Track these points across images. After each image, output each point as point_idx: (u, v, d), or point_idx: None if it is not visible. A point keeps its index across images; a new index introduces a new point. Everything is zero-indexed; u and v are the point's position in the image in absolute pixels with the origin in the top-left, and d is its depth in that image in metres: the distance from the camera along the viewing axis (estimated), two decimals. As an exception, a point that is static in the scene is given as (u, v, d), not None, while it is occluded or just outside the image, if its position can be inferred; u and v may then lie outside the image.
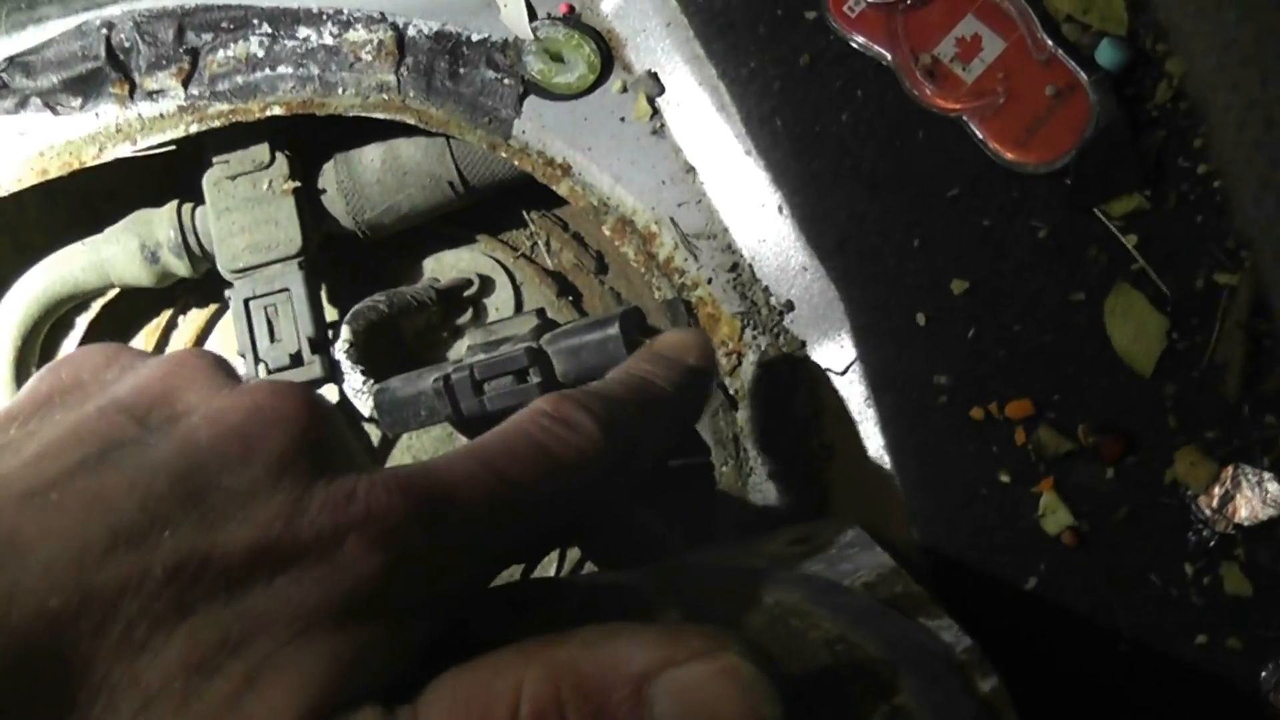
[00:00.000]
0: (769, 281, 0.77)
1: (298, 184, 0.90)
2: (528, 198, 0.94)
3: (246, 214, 0.90)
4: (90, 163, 0.88)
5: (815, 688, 0.48)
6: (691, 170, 0.79)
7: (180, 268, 0.94)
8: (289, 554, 0.42)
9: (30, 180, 0.89)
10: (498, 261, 0.96)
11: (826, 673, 0.48)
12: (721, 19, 0.77)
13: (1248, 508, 0.66)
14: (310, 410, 0.48)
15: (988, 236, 0.72)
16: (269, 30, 0.86)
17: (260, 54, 0.86)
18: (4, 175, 0.89)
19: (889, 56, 0.74)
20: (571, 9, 0.81)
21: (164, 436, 0.45)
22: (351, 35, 0.84)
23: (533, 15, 0.81)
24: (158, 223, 0.94)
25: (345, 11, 0.85)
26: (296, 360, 0.90)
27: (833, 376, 0.75)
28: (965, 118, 0.72)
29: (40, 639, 0.36)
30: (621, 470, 0.58)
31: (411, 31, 0.83)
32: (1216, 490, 0.67)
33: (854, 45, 0.74)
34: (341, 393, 0.93)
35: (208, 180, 0.92)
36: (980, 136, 0.72)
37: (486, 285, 0.96)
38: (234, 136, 0.90)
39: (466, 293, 0.95)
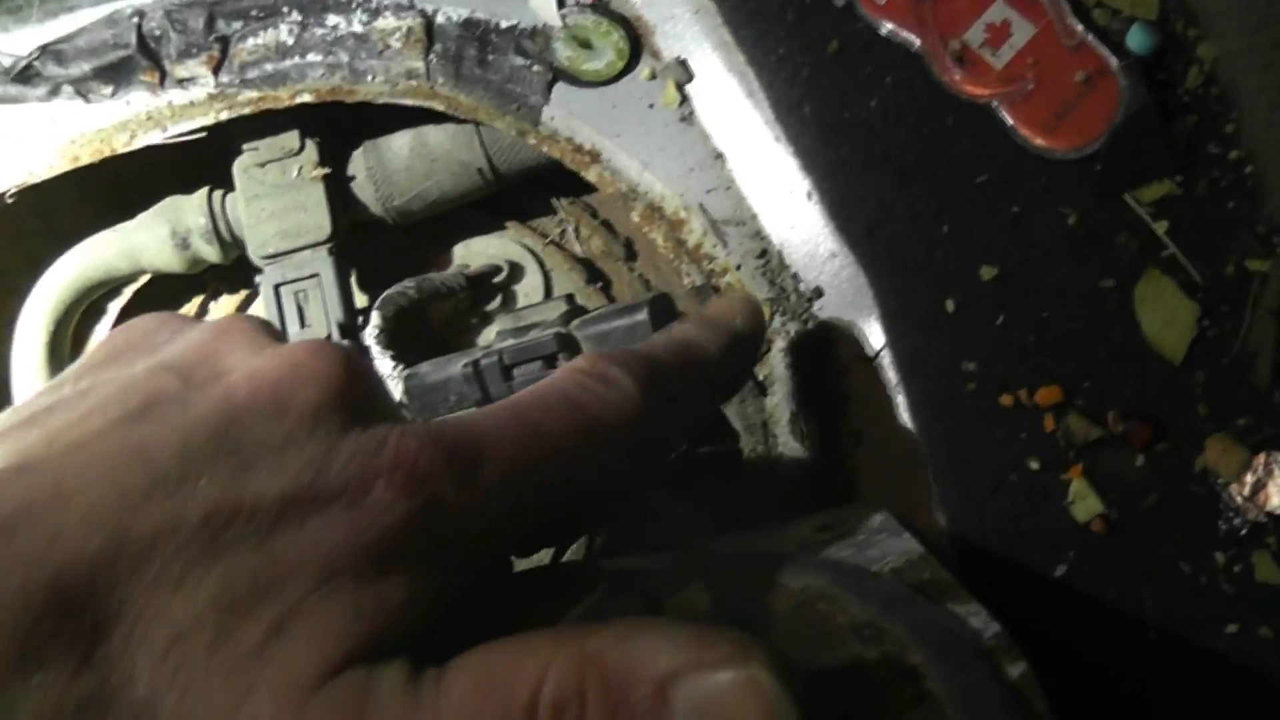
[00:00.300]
0: (798, 268, 0.77)
1: (327, 170, 0.90)
2: (556, 184, 0.94)
3: (276, 200, 0.91)
4: (121, 150, 0.89)
5: (842, 673, 0.48)
6: (720, 157, 0.79)
7: (211, 254, 0.95)
8: (319, 500, 0.44)
9: (62, 167, 0.89)
10: (527, 248, 0.96)
11: (853, 658, 0.49)
12: (750, 5, 0.77)
13: None
14: (345, 366, 0.49)
15: (1017, 223, 0.72)
16: (298, 18, 0.86)
17: (290, 42, 0.86)
18: (37, 162, 0.89)
19: (918, 43, 0.73)
20: (600, -5, 0.81)
21: (204, 393, 0.46)
22: (380, 23, 0.84)
23: (561, 2, 0.81)
24: (188, 209, 0.94)
25: (374, -1, 0.85)
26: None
27: (861, 363, 0.75)
28: (994, 104, 0.72)
29: (80, 577, 0.38)
30: (660, 431, 0.58)
31: (440, 19, 0.84)
32: (1248, 478, 0.67)
33: (883, 32, 0.74)
34: (372, 376, 0.94)
35: (238, 167, 0.92)
36: (1009, 123, 0.72)
37: (515, 272, 0.96)
38: (264, 124, 0.90)
39: (495, 279, 0.96)
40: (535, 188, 0.95)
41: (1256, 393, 0.68)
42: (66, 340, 1.00)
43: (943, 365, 0.73)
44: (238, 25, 0.87)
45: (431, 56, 0.83)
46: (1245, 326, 0.68)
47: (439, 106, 0.84)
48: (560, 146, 0.82)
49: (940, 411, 0.73)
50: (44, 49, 0.88)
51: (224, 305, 1.04)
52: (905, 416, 0.74)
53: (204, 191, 0.95)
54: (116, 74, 0.88)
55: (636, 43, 0.80)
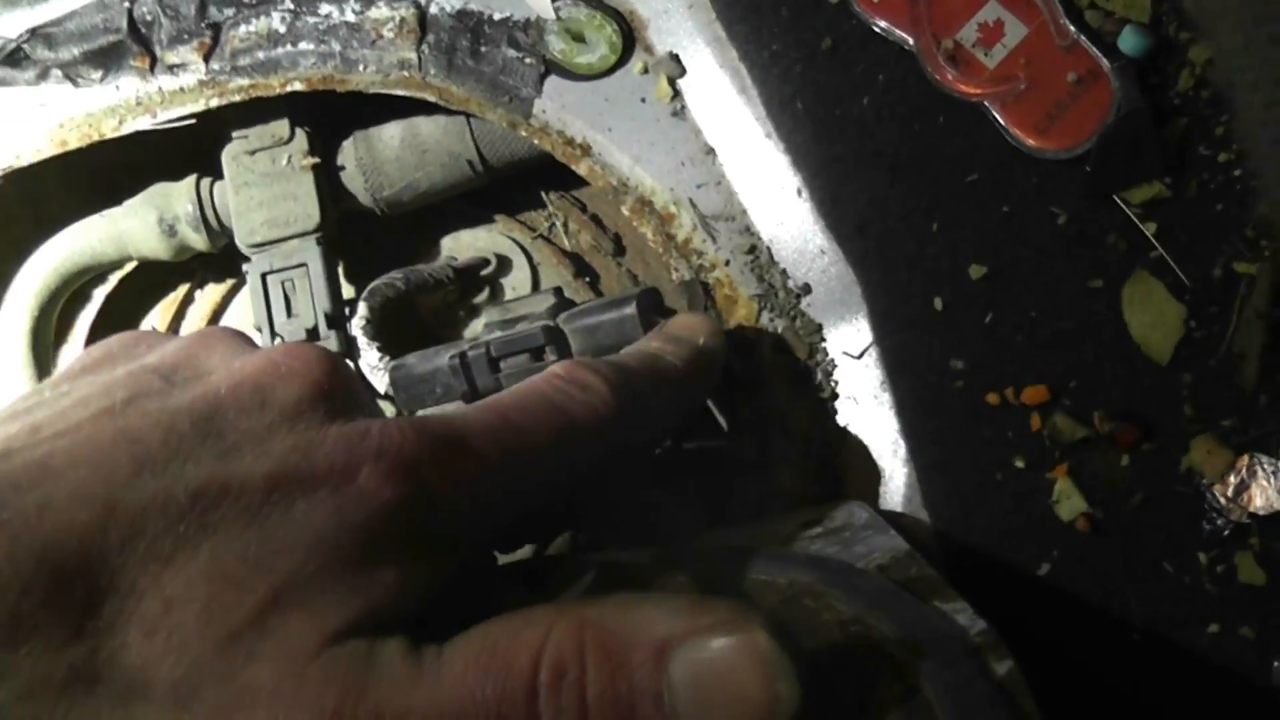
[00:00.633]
0: (787, 264, 0.77)
1: (317, 160, 0.90)
2: (546, 178, 0.94)
3: (265, 189, 0.90)
4: (110, 135, 0.88)
5: (830, 668, 0.48)
6: (711, 152, 0.79)
7: (198, 241, 0.94)
8: (305, 483, 0.45)
9: (50, 151, 0.89)
10: (515, 241, 0.96)
11: (841, 654, 0.49)
12: (744, 1, 0.77)
13: (1263, 497, 0.66)
14: (325, 364, 0.51)
15: (1007, 222, 0.72)
16: (291, 6, 0.86)
17: (282, 30, 0.86)
18: (24, 146, 0.89)
19: (911, 41, 0.74)
20: (594, -11, 0.81)
21: (186, 389, 0.48)
22: (374, 12, 0.84)
23: (555, -5, 0.81)
24: (176, 196, 0.94)
25: (368, -12, 0.85)
26: (313, 335, 0.90)
27: (849, 360, 0.75)
28: (986, 103, 0.72)
29: (70, 547, 0.39)
30: (631, 438, 0.61)
31: (434, 9, 0.83)
32: (1232, 479, 0.67)
33: (876, 29, 0.74)
34: (357, 369, 0.93)
35: (227, 155, 0.92)
36: (1001, 122, 0.72)
37: (504, 265, 0.96)
38: (254, 112, 0.90)
39: (484, 272, 0.95)
40: (525, 181, 0.95)
41: (1242, 394, 0.68)
42: (50, 326, 1.00)
43: (930, 363, 0.73)
44: (230, 12, 0.87)
45: (424, 47, 0.83)
46: (1232, 329, 0.68)
47: (430, 97, 0.83)
48: (552, 139, 0.82)
49: (927, 409, 0.73)
50: (33, 32, 0.88)
51: (210, 294, 1.03)
52: (892, 414, 0.74)
53: (192, 178, 0.94)
54: (106, 59, 0.88)
55: (630, 36, 0.80)
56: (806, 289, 0.76)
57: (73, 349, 1.02)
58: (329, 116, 0.92)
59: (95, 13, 0.87)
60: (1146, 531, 0.69)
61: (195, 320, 1.03)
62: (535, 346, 0.79)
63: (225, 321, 1.04)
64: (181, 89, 0.88)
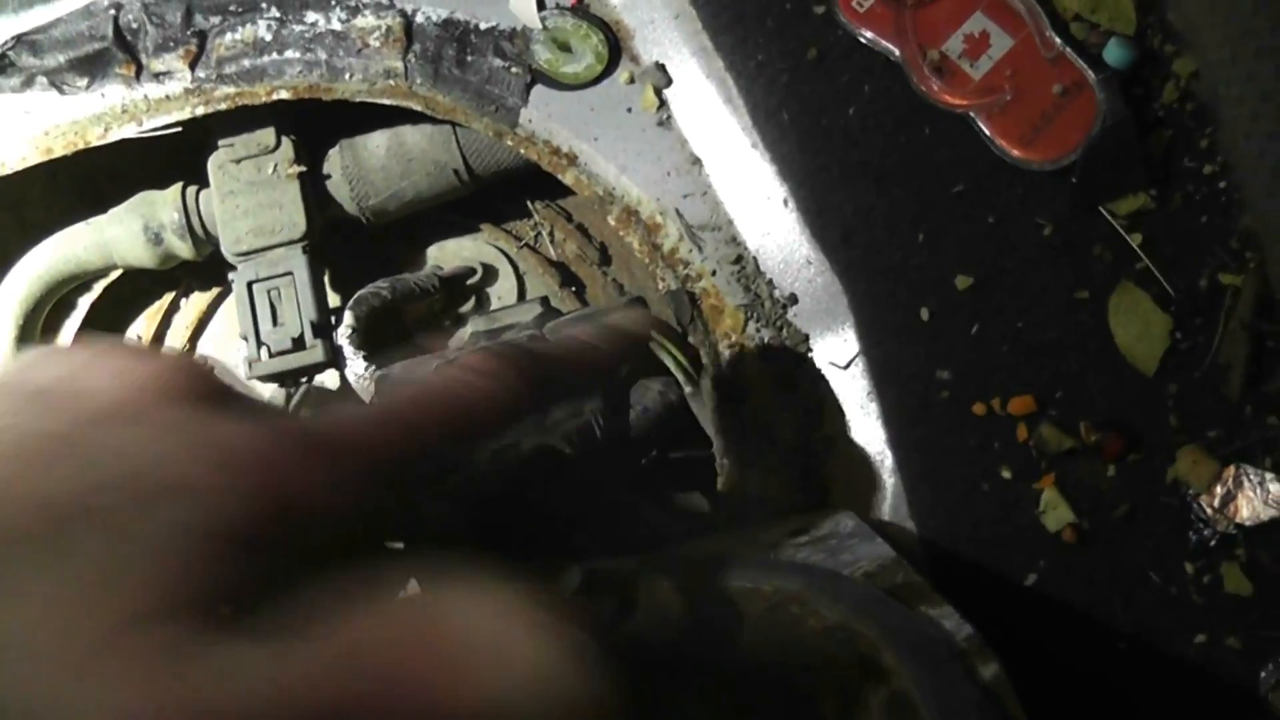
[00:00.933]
0: (773, 274, 0.77)
1: (303, 168, 0.90)
2: (532, 187, 0.94)
3: (251, 197, 0.90)
4: (95, 143, 0.88)
5: (814, 673, 0.48)
6: (698, 162, 0.79)
7: (184, 250, 0.94)
8: (171, 488, 0.44)
9: (35, 159, 0.89)
10: (501, 251, 0.96)
11: (826, 660, 0.49)
12: (730, 12, 0.77)
13: (1249, 508, 0.66)
14: (193, 371, 0.50)
15: (993, 233, 0.72)
16: (277, 14, 0.86)
17: (268, 38, 0.86)
18: (9, 153, 0.89)
19: (897, 52, 0.74)
20: (580, -1, 0.81)
21: (53, 410, 0.47)
22: (360, 21, 0.84)
23: (541, 4, 0.81)
24: (162, 204, 0.94)
25: (354, -3, 0.85)
26: (299, 344, 0.90)
27: (835, 370, 0.75)
28: (972, 114, 0.72)
29: None
30: (539, 408, 0.62)
31: (420, 18, 0.83)
32: (1218, 490, 0.67)
33: (862, 40, 0.74)
34: (343, 377, 0.93)
35: (213, 163, 0.92)
36: (987, 133, 0.72)
37: (489, 274, 0.96)
38: (240, 120, 0.90)
39: (469, 281, 0.95)
40: (511, 190, 0.95)
41: (1228, 405, 0.68)
42: (35, 334, 1.00)
43: (917, 373, 0.73)
44: (216, 20, 0.87)
45: (410, 56, 0.83)
46: (1217, 339, 0.68)
47: (416, 106, 0.83)
48: (538, 149, 0.82)
49: (913, 419, 0.73)
50: (19, 39, 0.87)
51: (195, 302, 1.03)
52: (878, 424, 0.74)
53: (178, 187, 0.94)
54: (92, 66, 0.88)
55: (616, 46, 0.80)
56: (793, 299, 0.76)
57: (57, 357, 1.01)
58: (315, 125, 0.92)
59: (81, 20, 0.87)
60: (1133, 542, 0.69)
61: (180, 328, 1.03)
62: None
63: (211, 331, 1.03)
64: (167, 96, 0.88)
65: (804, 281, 0.76)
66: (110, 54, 0.87)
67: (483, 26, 0.82)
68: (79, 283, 1.00)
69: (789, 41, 0.76)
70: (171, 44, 0.87)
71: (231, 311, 0.98)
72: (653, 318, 0.72)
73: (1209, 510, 0.67)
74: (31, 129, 0.89)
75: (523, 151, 0.82)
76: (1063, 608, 0.69)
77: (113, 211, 0.96)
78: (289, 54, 0.85)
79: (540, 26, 0.81)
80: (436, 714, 0.42)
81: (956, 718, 0.44)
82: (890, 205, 0.74)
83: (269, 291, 0.90)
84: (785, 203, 0.76)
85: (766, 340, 0.77)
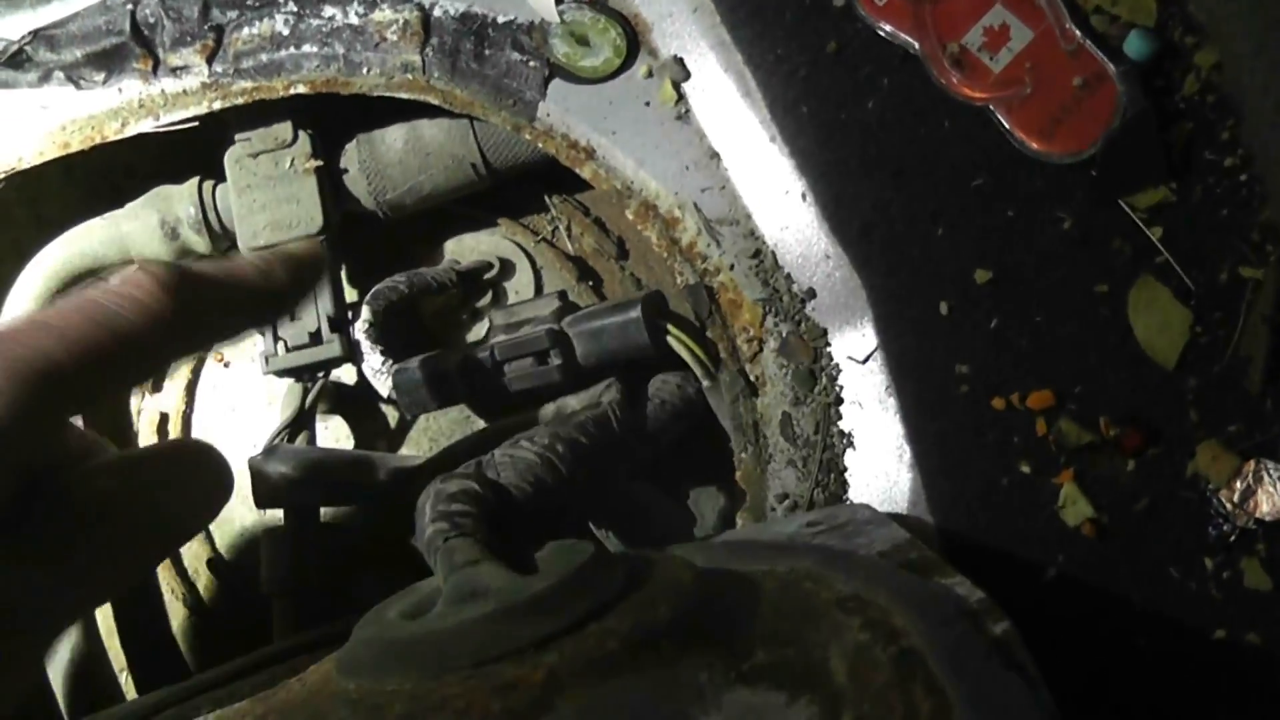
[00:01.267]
0: (791, 268, 0.77)
1: (320, 163, 0.90)
2: (549, 181, 0.94)
3: (268, 192, 0.90)
4: (112, 137, 0.88)
5: (826, 641, 0.48)
6: (716, 156, 0.79)
7: (200, 244, 0.94)
8: None
9: (52, 154, 0.89)
10: (518, 245, 0.96)
11: (835, 627, 0.49)
12: (749, 5, 0.77)
13: (1269, 502, 0.66)
14: None
15: (1012, 227, 0.72)
16: (294, 8, 0.86)
17: (285, 32, 0.86)
18: (26, 148, 0.89)
19: (916, 45, 0.74)
20: (598, -8, 0.81)
21: None
22: (377, 15, 0.84)
23: (559, -2, 0.81)
24: (178, 199, 0.94)
25: (372, -10, 0.85)
26: (316, 338, 0.90)
27: (854, 365, 0.75)
28: (991, 107, 0.72)
29: None
30: (192, 333, 0.60)
31: (438, 12, 0.83)
32: (1238, 484, 0.67)
33: (881, 33, 0.74)
34: (360, 373, 0.93)
35: (229, 157, 0.92)
36: (1006, 126, 0.72)
37: (507, 268, 0.96)
38: (257, 114, 0.90)
39: (487, 275, 0.95)
40: (528, 184, 0.95)
41: (1248, 399, 0.68)
42: (52, 329, 0.99)
43: (935, 368, 0.73)
44: (233, 14, 0.87)
45: (428, 50, 0.83)
46: (1238, 333, 0.68)
47: (434, 100, 0.83)
48: (555, 143, 0.82)
49: (932, 414, 0.73)
50: (36, 34, 0.88)
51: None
52: (897, 419, 0.74)
53: (194, 181, 0.94)
54: (109, 61, 0.88)
55: (634, 40, 0.80)
56: (811, 293, 0.76)
57: (74, 352, 1.02)
58: (332, 119, 0.92)
59: (98, 15, 0.87)
60: (1152, 537, 0.68)
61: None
62: (539, 350, 0.79)
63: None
64: (184, 91, 0.88)
65: (822, 276, 0.76)
66: (127, 49, 0.87)
67: (500, 20, 0.82)
68: (95, 278, 1.00)
69: (808, 35, 0.76)
70: (188, 38, 0.87)
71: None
72: (320, 248, 0.71)
73: (1229, 505, 0.67)
74: (48, 124, 0.89)
75: (540, 145, 0.82)
76: (1081, 602, 0.69)
77: (129, 206, 0.96)
78: (306, 48, 0.85)
79: (558, 20, 0.80)
80: None
81: (964, 667, 0.44)
82: (909, 199, 0.74)
83: (286, 286, 0.90)
84: (804, 197, 0.76)
85: (785, 334, 0.77)
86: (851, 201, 0.75)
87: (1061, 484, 0.70)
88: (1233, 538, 0.67)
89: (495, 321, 0.86)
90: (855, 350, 0.75)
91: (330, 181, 0.91)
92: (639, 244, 0.93)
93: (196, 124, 0.88)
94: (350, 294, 0.95)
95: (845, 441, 0.75)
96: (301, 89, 0.85)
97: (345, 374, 0.94)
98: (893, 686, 0.44)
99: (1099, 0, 0.71)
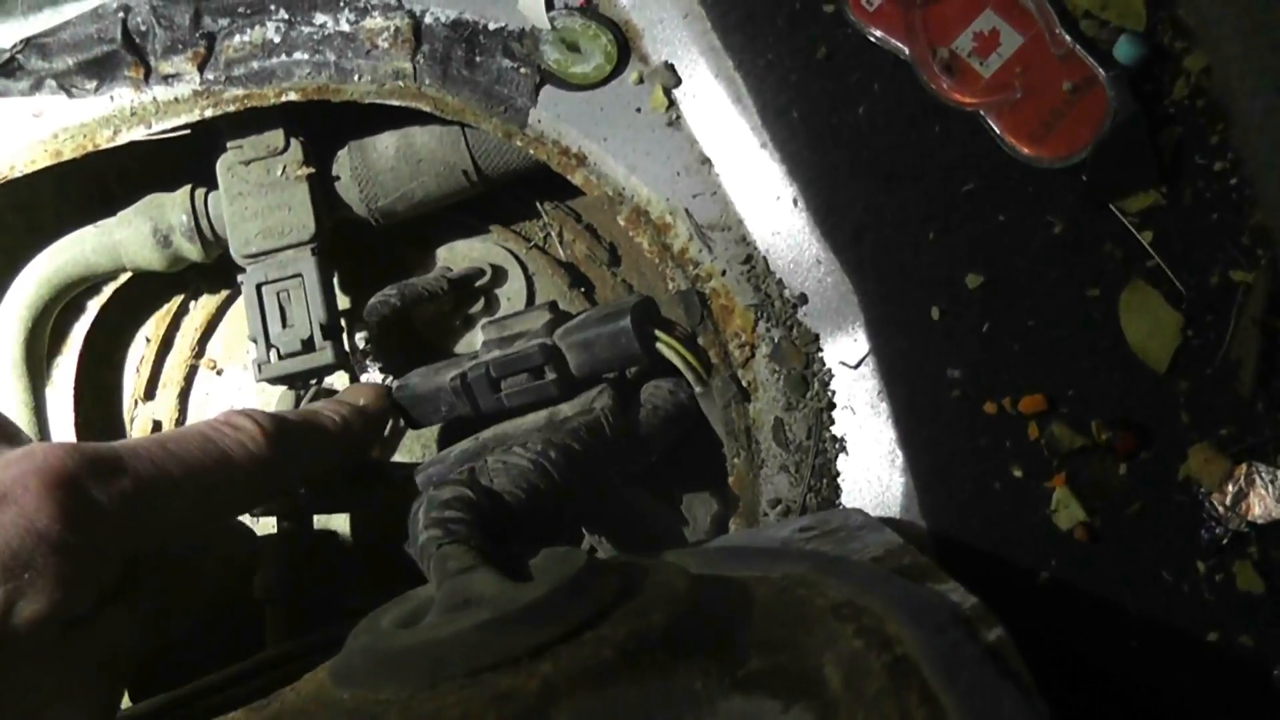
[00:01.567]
0: (783, 274, 0.77)
1: (312, 170, 0.90)
2: (541, 188, 0.94)
3: (260, 199, 0.90)
4: (104, 145, 0.88)
5: (820, 648, 0.48)
6: (707, 162, 0.79)
7: (192, 252, 0.94)
8: None
9: (44, 162, 0.89)
10: (510, 252, 0.96)
11: (829, 635, 0.49)
12: (739, 11, 0.77)
13: (1261, 505, 0.66)
14: None
15: (1003, 231, 0.72)
16: (286, 16, 0.86)
17: (276, 40, 0.86)
18: (18, 156, 0.89)
19: (906, 50, 0.74)
20: (589, -1, 0.81)
21: None
22: (368, 22, 0.84)
23: (550, 4, 0.81)
24: (170, 206, 0.94)
25: (362, -2, 0.85)
26: (308, 346, 0.90)
27: (846, 369, 0.75)
28: (982, 112, 0.72)
29: None
30: (287, 476, 0.77)
31: (428, 19, 0.83)
32: (1230, 487, 0.67)
33: (872, 39, 0.74)
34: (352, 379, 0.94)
35: (221, 165, 0.92)
36: (997, 131, 0.72)
37: (499, 275, 0.96)
38: (248, 122, 0.90)
39: (479, 283, 0.95)
40: (520, 191, 0.95)
41: (1239, 402, 0.68)
42: (44, 338, 1.00)
43: (927, 372, 0.73)
44: (224, 22, 0.87)
45: (419, 57, 0.83)
46: (1229, 336, 0.68)
47: (425, 107, 0.83)
48: (547, 149, 0.82)
49: (924, 418, 0.73)
50: (27, 42, 0.87)
51: (204, 305, 1.03)
52: (889, 423, 0.74)
53: (186, 189, 0.94)
54: (101, 69, 0.88)
55: (625, 46, 0.80)
56: (803, 298, 0.76)
57: (67, 361, 1.02)
58: (324, 126, 0.92)
59: (90, 23, 0.87)
60: (1145, 540, 0.69)
61: (189, 331, 1.03)
62: (534, 366, 0.79)
63: (220, 333, 1.04)
64: (176, 99, 0.88)
65: (814, 281, 0.76)
66: (119, 56, 0.87)
67: (491, 27, 0.83)
68: (87, 285, 1.00)
69: (798, 40, 0.76)
70: (180, 46, 0.87)
71: (240, 314, 0.98)
72: (379, 389, 0.85)
73: (1221, 508, 0.67)
74: (40, 132, 0.89)
75: (532, 152, 0.82)
76: (1075, 606, 0.69)
77: (121, 214, 0.96)
78: (297, 55, 0.85)
79: (549, 27, 0.81)
80: None
81: (957, 674, 0.44)
82: (900, 204, 0.74)
83: (278, 293, 0.90)
84: (795, 202, 0.76)
85: (777, 340, 0.77)
86: (843, 207, 0.75)
87: (1054, 488, 0.70)
88: (1225, 540, 0.67)
89: (488, 335, 0.86)
90: (847, 355, 0.75)
91: (322, 189, 0.91)
92: (631, 250, 0.93)
93: (188, 131, 0.88)
94: (342, 301, 0.95)
95: (838, 446, 0.75)
96: (293, 96, 0.85)
97: (338, 381, 0.94)
98: (887, 695, 0.44)
99: (1088, 5, 0.71)
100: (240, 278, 0.92)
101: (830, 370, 0.76)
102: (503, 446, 0.75)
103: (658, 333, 0.78)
